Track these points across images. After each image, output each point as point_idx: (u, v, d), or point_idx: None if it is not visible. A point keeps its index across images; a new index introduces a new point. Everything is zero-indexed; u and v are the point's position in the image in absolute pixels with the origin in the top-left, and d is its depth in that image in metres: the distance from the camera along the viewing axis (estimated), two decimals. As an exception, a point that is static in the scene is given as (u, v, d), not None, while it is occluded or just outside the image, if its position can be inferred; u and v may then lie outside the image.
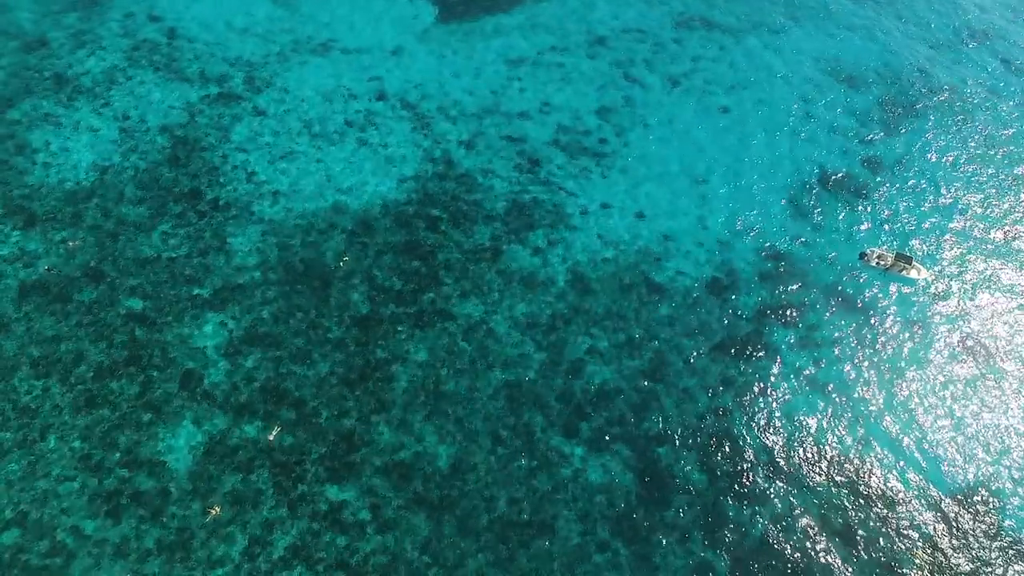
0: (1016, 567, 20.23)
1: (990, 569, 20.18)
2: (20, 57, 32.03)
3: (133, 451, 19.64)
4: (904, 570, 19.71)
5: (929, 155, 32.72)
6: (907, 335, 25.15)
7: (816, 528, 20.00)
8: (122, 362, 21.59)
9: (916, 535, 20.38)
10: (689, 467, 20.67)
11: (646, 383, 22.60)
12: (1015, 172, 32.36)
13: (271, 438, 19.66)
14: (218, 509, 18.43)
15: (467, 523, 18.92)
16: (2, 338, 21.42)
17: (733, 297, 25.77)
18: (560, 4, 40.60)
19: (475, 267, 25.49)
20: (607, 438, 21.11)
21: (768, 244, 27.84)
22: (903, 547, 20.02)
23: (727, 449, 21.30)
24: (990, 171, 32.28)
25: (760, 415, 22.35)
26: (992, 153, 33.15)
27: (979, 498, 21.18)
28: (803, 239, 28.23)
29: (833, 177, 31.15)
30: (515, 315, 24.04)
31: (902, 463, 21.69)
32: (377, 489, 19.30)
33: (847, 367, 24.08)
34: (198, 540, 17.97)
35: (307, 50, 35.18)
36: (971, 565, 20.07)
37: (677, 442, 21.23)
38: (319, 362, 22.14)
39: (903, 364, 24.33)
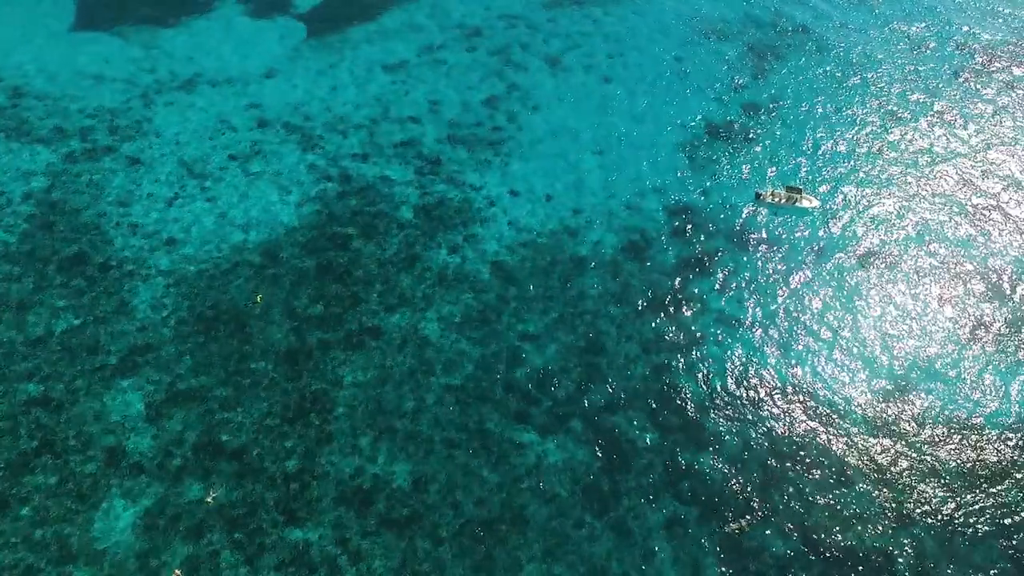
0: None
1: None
2: None
3: (65, 545, 18.11)
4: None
5: (799, 90, 35.19)
6: (811, 258, 26.96)
7: (771, 460, 21.11)
8: (32, 452, 19.81)
9: (847, 448, 22.02)
10: (641, 428, 21.31)
11: (585, 357, 23.10)
12: (870, 91, 35.33)
13: (209, 499, 18.68)
14: (178, 573, 17.44)
15: (438, 533, 18.72)
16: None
17: (650, 256, 26.71)
18: (428, 2, 40.56)
19: (395, 277, 25.13)
20: (559, 418, 21.43)
21: (673, 200, 28.98)
22: (841, 452, 21.61)
23: (674, 403, 22.12)
24: (851, 95, 35.14)
25: (698, 364, 23.29)
26: (847, 75, 36.07)
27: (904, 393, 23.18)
28: (702, 189, 29.64)
29: (718, 127, 32.94)
30: (445, 316, 23.92)
31: (830, 376, 23.35)
32: (341, 521, 18.75)
33: (767, 299, 25.57)
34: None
35: (172, 88, 33.32)
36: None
37: (625, 407, 21.85)
38: (252, 406, 21.21)
39: (816, 283, 26.26)
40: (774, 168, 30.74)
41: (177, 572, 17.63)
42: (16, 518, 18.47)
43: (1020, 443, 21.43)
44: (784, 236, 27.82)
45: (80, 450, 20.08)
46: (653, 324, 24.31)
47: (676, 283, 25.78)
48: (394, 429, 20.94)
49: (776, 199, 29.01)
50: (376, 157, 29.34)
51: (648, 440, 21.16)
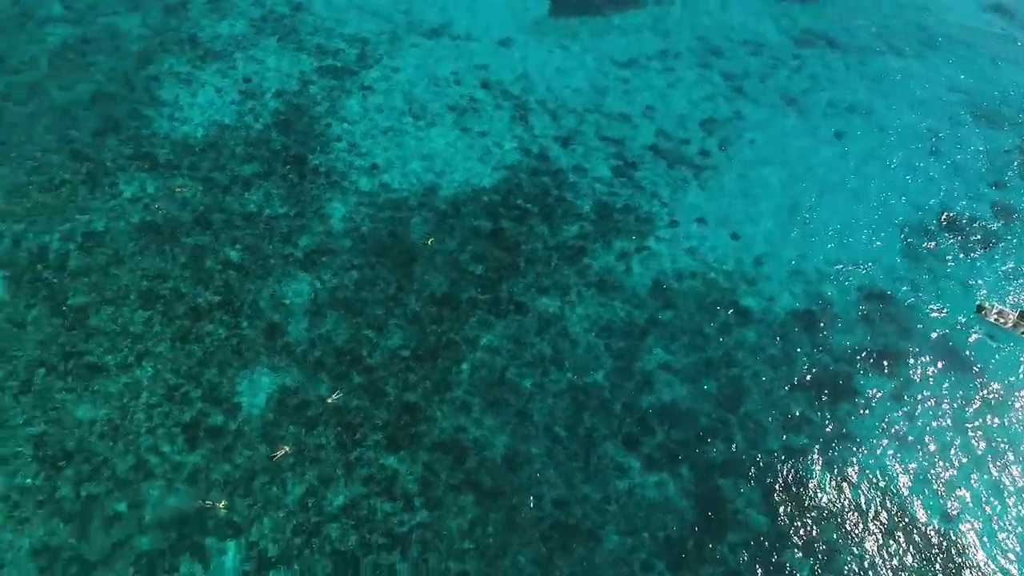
0: None
1: None
2: (162, 18, 35.32)
3: (215, 389, 21.33)
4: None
5: (1073, 210, 30.20)
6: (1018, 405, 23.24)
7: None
8: (215, 306, 23.47)
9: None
10: (751, 506, 20.01)
11: (718, 410, 22.08)
12: None
13: (332, 399, 20.76)
14: (287, 449, 19.71)
15: (513, 515, 19.25)
16: (117, 269, 23.81)
17: (825, 334, 24.64)
18: (678, 10, 40.23)
19: (557, 264, 25.78)
20: (668, 457, 20.85)
21: (873, 282, 26.43)
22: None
23: (795, 495, 20.41)
24: None
25: (838, 466, 21.15)
26: None
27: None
28: (912, 282, 26.66)
29: (955, 219, 29.24)
30: (591, 317, 24.13)
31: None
32: (431, 465, 19.98)
33: (945, 438, 22.05)
34: (259, 481, 19.27)
35: (420, 32, 36.67)
36: None
37: (743, 476, 20.62)
38: (393, 333, 23.14)
39: (1008, 438, 22.46)
40: (1013, 286, 26.74)
41: (286, 448, 19.99)
42: (188, 354, 22.09)
43: None
44: (998, 369, 24.07)
45: (250, 316, 23.41)
46: (802, 404, 22.54)
47: (844, 372, 23.65)
48: (507, 403, 21.73)
49: (1002, 321, 25.29)
50: (577, 145, 30.06)
51: (752, 520, 19.85)
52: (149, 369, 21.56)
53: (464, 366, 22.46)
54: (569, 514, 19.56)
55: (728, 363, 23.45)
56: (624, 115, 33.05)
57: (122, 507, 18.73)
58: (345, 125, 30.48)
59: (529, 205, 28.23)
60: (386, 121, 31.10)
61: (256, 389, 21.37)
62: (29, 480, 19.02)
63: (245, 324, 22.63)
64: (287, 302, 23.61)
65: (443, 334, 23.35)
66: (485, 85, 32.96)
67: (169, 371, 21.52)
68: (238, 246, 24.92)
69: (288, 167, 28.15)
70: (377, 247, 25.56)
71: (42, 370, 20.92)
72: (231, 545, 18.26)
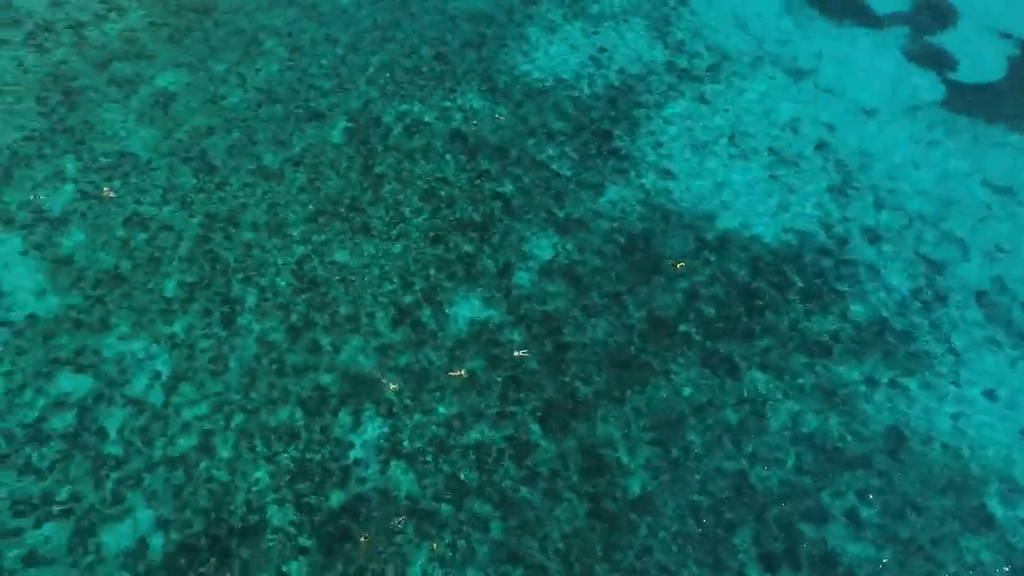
0: None
1: None
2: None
3: (435, 291, 23.77)
4: None
5: None
6: None
7: None
8: (472, 225, 25.82)
9: None
10: None
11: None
12: None
13: (516, 353, 21.80)
14: (462, 373, 21.42)
15: (610, 544, 18.69)
16: (420, 157, 27.42)
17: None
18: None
19: (792, 349, 23.40)
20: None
21: None
22: None
23: None
24: None
25: None
26: None
27: None
28: None
29: None
30: (797, 419, 21.63)
31: None
32: (567, 459, 20.12)
33: None
34: (429, 385, 21.30)
35: (785, 68, 34.84)
36: None
37: None
38: (600, 327, 23.35)
39: None
40: None
41: (462, 372, 21.64)
42: (432, 253, 24.89)
43: None
44: None
45: (494, 247, 25.21)
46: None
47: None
48: (668, 447, 20.74)
49: None
50: (886, 246, 26.37)
51: None
52: (399, 248, 24.66)
53: (647, 390, 21.85)
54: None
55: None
56: (961, 240, 28.10)
57: (326, 342, 22.08)
58: (662, 123, 30.57)
59: (798, 279, 25.73)
60: (702, 135, 30.45)
61: (466, 310, 23.29)
62: (282, 284, 23.40)
63: (486, 252, 24.57)
64: (527, 251, 25.04)
65: (643, 352, 22.87)
66: (821, 145, 30.37)
67: (412, 258, 24.38)
68: (516, 184, 26.86)
69: (592, 137, 29.23)
70: (629, 244, 25.64)
71: (332, 207, 25.22)
72: (380, 421, 20.56)
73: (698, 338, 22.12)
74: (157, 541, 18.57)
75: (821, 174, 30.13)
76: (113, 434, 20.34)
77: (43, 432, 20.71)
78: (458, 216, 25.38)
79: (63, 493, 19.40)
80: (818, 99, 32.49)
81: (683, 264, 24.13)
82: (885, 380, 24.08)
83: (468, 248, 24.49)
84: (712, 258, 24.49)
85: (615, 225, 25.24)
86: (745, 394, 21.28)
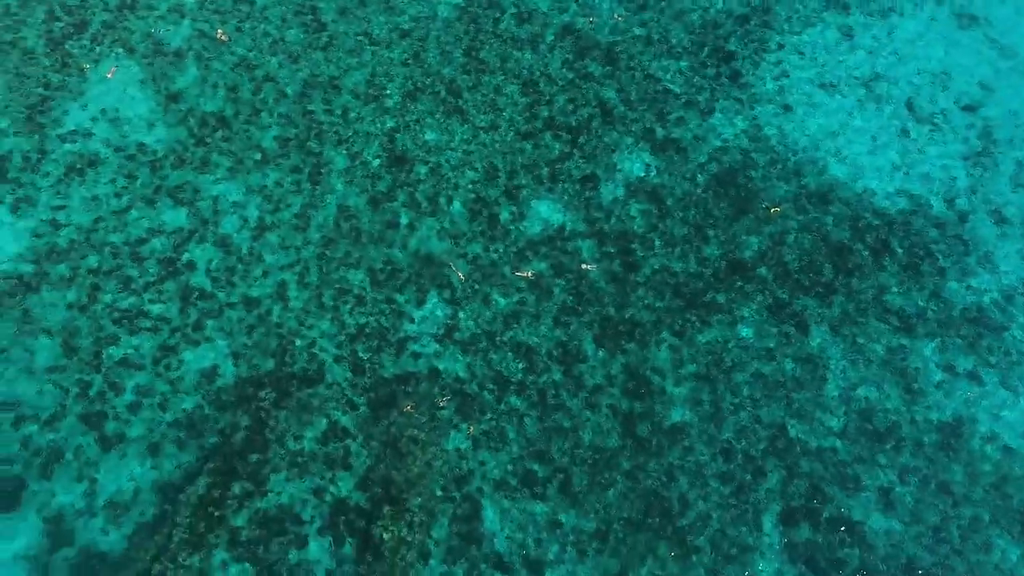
0: None
1: None
2: None
3: (516, 190, 23.92)
4: None
5: None
6: None
7: None
8: (564, 127, 25.30)
9: None
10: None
11: None
12: None
13: (585, 267, 21.94)
14: (528, 275, 21.93)
15: (635, 476, 19.48)
16: (528, 49, 26.66)
17: None
18: None
19: (869, 317, 22.42)
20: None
21: None
22: None
23: None
24: None
25: None
26: None
27: None
28: None
29: None
30: (852, 385, 21.13)
31: None
32: (612, 379, 20.71)
33: None
34: (492, 280, 21.98)
35: (955, 5, 30.88)
36: None
37: None
38: (674, 257, 23.01)
39: None
40: None
41: (529, 273, 22.11)
42: (519, 150, 24.78)
43: None
44: None
45: (583, 156, 24.72)
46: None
47: None
48: (713, 390, 20.91)
49: None
50: (1012, 228, 24.21)
51: None
52: (488, 138, 24.68)
53: (707, 328, 21.71)
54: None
55: None
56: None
57: (405, 219, 22.89)
58: (793, 52, 28.19)
59: (898, 246, 24.19)
60: (834, 72, 27.94)
61: (543, 212, 23.39)
62: (371, 154, 24.06)
63: (574, 158, 24.18)
64: (617, 164, 24.50)
65: (713, 289, 22.51)
66: (970, 107, 27.23)
67: (500, 150, 24.38)
68: (620, 93, 25.85)
69: (712, 55, 27.21)
70: (725, 177, 24.60)
71: (431, 85, 25.22)
72: (442, 304, 21.55)
73: (774, 286, 21.56)
74: (228, 369, 20.52)
75: (960, 139, 27.44)
76: (201, 268, 22.09)
77: (142, 254, 22.71)
78: (553, 116, 24.92)
79: (154, 311, 21.51)
80: (983, 53, 28.89)
81: (778, 209, 23.08)
82: (963, 369, 22.98)
83: (557, 150, 24.21)
84: (810, 207, 23.27)
85: (715, 154, 24.18)
86: (808, 352, 20.87)
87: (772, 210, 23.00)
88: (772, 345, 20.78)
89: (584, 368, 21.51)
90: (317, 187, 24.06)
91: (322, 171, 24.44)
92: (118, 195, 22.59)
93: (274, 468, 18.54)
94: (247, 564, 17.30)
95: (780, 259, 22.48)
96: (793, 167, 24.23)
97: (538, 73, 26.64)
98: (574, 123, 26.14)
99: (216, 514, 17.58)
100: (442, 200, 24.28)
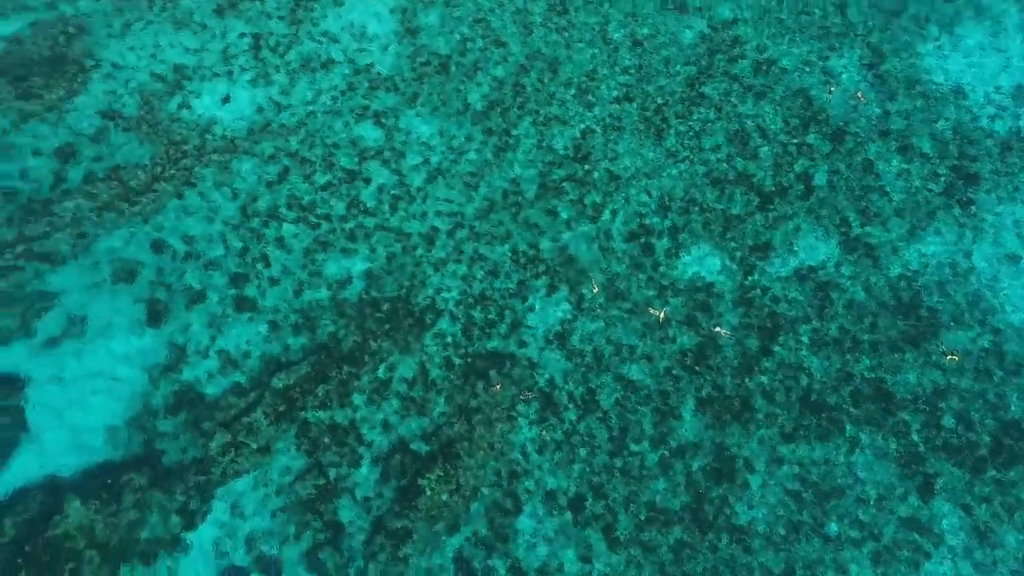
0: None
1: None
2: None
3: (675, 231, 23.51)
4: None
5: None
6: None
7: None
8: (760, 190, 23.99)
9: None
10: None
11: None
12: None
13: (719, 332, 21.15)
14: (660, 314, 21.67)
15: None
16: (742, 99, 25.78)
17: None
18: None
19: (1003, 520, 19.47)
20: None
21: None
22: None
23: None
24: None
25: None
26: None
27: None
28: None
29: None
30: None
31: None
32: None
33: None
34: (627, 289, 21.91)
35: None
36: None
37: None
38: (811, 360, 21.47)
39: None
40: None
41: (660, 313, 21.77)
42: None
43: None
44: None
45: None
46: None
47: None
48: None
49: None
50: None
51: None
52: (676, 171, 24.23)
53: (820, 448, 20.12)
54: None
55: None
56: None
57: (565, 214, 23.36)
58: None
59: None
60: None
61: (699, 261, 22.76)
62: (559, 143, 24.71)
63: (755, 220, 22.87)
64: (795, 245, 23.12)
65: (842, 411, 20.78)
66: None
67: (682, 186, 23.71)
68: (831, 176, 24.21)
69: (952, 173, 24.71)
70: (906, 299, 22.41)
71: (641, 100, 25.29)
72: (566, 307, 21.84)
73: (916, 436, 19.45)
74: (359, 284, 22.20)
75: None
76: (374, 187, 23.97)
77: (332, 157, 25.04)
78: (752, 172, 24.09)
79: (322, 208, 23.67)
80: None
81: (956, 358, 20.67)
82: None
83: (741, 207, 23.44)
84: (996, 372, 20.62)
85: (908, 273, 22.11)
86: (920, 519, 18.72)
87: (948, 357, 20.61)
88: (883, 492, 18.89)
89: (676, 425, 20.85)
90: (500, 154, 25.26)
91: (509, 141, 25.57)
92: (334, 99, 25.15)
93: (360, 388, 20.04)
94: (305, 457, 18.94)
95: (935, 410, 20.19)
96: (994, 324, 21.48)
97: (753, 125, 25.71)
98: (770, 186, 24.93)
99: (297, 403, 19.35)
100: (607, 211, 24.46)
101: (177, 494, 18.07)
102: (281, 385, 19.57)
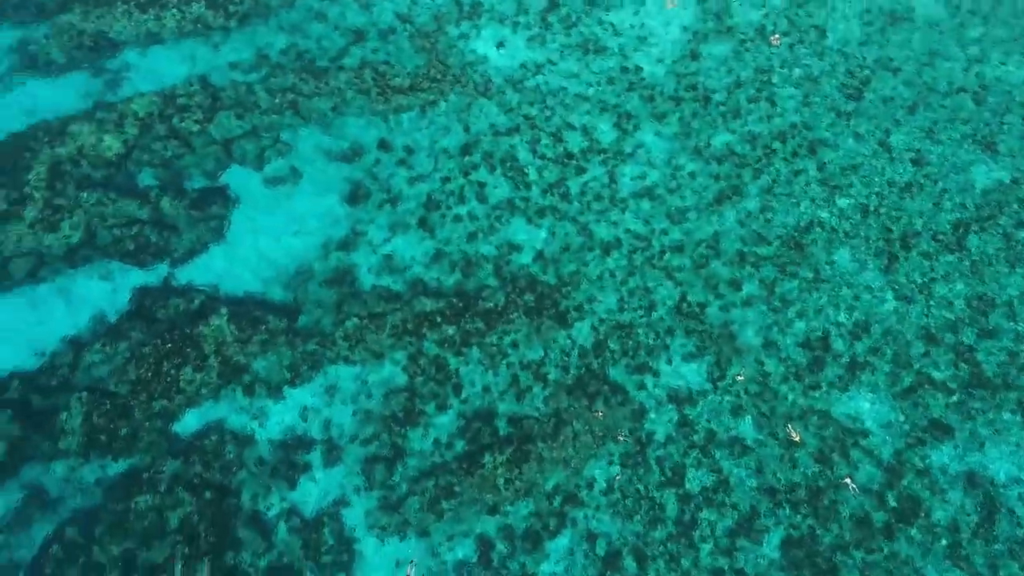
0: None
1: None
2: None
3: (855, 367, 21.38)
4: None
5: None
6: None
7: None
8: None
9: None
10: None
11: None
12: None
13: (849, 485, 19.12)
14: (796, 437, 20.04)
15: None
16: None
17: None
18: None
19: None
20: None
21: None
22: None
23: None
24: None
25: None
26: None
27: None
28: None
29: None
30: None
31: None
32: None
33: None
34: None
35: None
36: None
37: None
38: (927, 564, 18.72)
39: None
40: None
41: (796, 436, 20.12)
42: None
43: None
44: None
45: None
46: None
47: None
48: None
49: None
50: None
51: None
52: (904, 309, 22.03)
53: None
54: None
55: None
56: None
57: (749, 290, 22.35)
58: None
59: None
60: None
61: (864, 409, 20.63)
62: (769, 235, 23.45)
63: (951, 415, 20.50)
64: (991, 460, 20.09)
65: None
66: None
67: (904, 326, 21.74)
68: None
69: None
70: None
71: (913, 247, 23.16)
72: (703, 376, 20.91)
73: None
74: (524, 258, 22.87)
75: None
76: (584, 177, 24.55)
77: (562, 139, 25.72)
78: (974, 347, 21.17)
79: (531, 176, 24.57)
80: None
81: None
82: None
83: (941, 375, 20.79)
84: None
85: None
86: None
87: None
88: None
89: (750, 547, 19.22)
90: (716, 204, 24.53)
91: (732, 195, 24.73)
92: (590, 84, 25.94)
93: (481, 345, 20.94)
94: (406, 378, 20.26)
95: None
96: None
97: (1005, 297, 22.43)
98: (992, 375, 21.31)
99: (424, 330, 20.71)
100: (794, 309, 22.68)
101: (296, 352, 20.31)
102: (419, 308, 21.03)
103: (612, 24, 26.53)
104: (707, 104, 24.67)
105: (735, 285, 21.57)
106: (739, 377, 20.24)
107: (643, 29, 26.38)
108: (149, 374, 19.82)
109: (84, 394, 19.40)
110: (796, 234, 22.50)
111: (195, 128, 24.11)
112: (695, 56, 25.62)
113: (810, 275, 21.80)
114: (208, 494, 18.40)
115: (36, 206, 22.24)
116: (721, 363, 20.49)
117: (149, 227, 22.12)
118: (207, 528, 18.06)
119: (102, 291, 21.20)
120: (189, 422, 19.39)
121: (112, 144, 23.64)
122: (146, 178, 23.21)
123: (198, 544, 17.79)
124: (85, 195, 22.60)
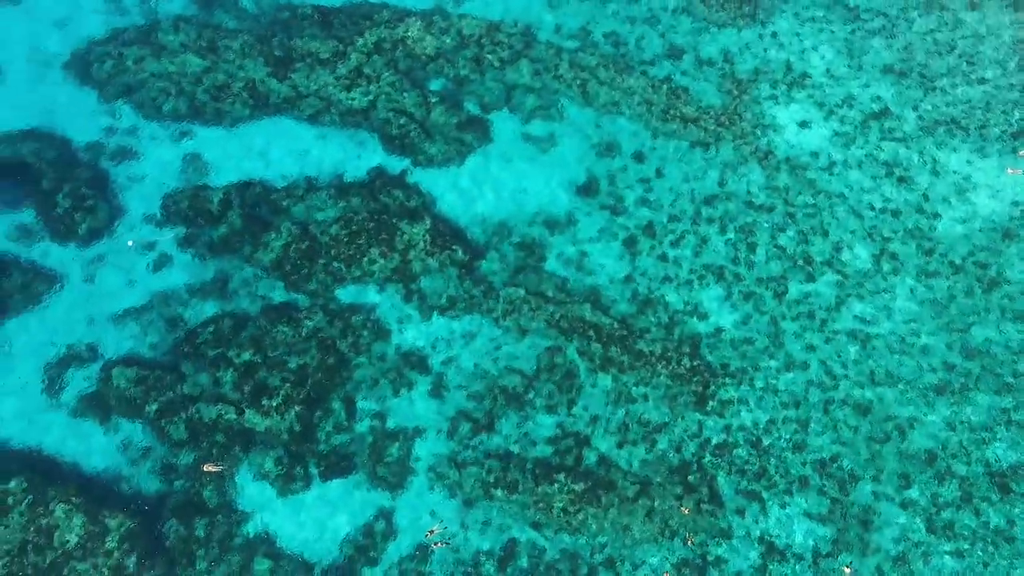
0: None
1: None
2: None
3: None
4: None
5: None
6: None
7: None
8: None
9: None
10: None
11: None
12: None
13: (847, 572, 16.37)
14: None
15: None
16: None
17: None
18: None
19: None
20: None
21: None
22: None
23: None
24: None
25: None
26: None
27: None
28: None
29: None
30: None
31: None
32: None
33: None
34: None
35: None
36: None
37: None
38: None
39: None
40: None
41: None
42: None
43: None
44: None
45: None
46: None
47: None
48: None
49: None
50: None
51: None
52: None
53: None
54: None
55: None
56: None
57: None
58: None
59: None
60: None
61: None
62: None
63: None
64: None
65: None
66: None
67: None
68: None
69: None
70: None
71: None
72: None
73: None
74: (709, 327, 22.26)
75: None
76: (828, 279, 23.17)
77: (822, 227, 24.45)
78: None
79: (757, 254, 23.82)
80: None
81: None
82: None
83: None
84: None
85: None
86: None
87: None
88: None
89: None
90: (936, 395, 21.57)
91: (954, 397, 21.48)
92: (880, 210, 24.19)
93: (616, 378, 20.93)
94: (533, 360, 20.91)
95: None
96: None
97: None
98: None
99: (574, 338, 21.19)
100: (950, 547, 19.45)
101: (462, 288, 22.04)
102: (581, 313, 21.56)
103: (935, 159, 24.33)
104: (990, 290, 21.81)
105: (904, 481, 19.18)
106: (847, 569, 18.15)
107: (967, 182, 23.91)
108: (346, 238, 22.71)
109: (294, 227, 22.77)
110: (1008, 471, 19.35)
111: (496, 64, 26.58)
112: (1008, 236, 22.66)
113: (1001, 523, 18.75)
114: (331, 359, 20.78)
115: (348, 65, 26.19)
116: (839, 544, 18.48)
117: (415, 124, 25.01)
118: (315, 383, 20.47)
119: (350, 154, 24.55)
120: (351, 292, 21.97)
121: (430, 45, 26.94)
122: (436, 84, 26.19)
123: (301, 390, 20.28)
124: (387, 74, 26.12)
